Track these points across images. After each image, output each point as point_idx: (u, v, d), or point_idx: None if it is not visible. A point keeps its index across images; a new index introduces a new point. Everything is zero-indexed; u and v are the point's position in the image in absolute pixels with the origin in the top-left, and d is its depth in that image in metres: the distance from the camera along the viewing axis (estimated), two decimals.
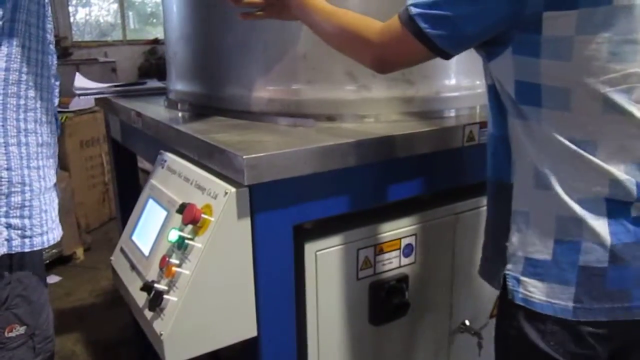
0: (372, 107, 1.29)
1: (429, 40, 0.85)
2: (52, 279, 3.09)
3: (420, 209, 1.29)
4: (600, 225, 0.82)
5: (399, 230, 1.24)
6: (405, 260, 1.26)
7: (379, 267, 1.22)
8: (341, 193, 1.13)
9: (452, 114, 1.36)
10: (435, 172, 1.27)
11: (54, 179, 1.13)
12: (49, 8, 1.09)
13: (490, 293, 1.47)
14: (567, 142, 0.82)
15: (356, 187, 1.15)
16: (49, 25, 1.09)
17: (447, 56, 0.89)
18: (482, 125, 1.25)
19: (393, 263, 1.25)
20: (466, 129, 1.23)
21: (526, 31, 0.80)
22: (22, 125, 1.03)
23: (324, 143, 1.06)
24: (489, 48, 0.87)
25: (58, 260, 3.20)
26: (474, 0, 0.81)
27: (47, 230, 1.09)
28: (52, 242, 1.10)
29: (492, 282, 0.96)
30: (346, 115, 1.29)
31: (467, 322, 1.43)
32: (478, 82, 1.40)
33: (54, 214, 1.12)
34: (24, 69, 1.02)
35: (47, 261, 3.09)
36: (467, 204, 1.36)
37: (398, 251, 1.25)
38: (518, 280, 0.89)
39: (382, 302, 1.22)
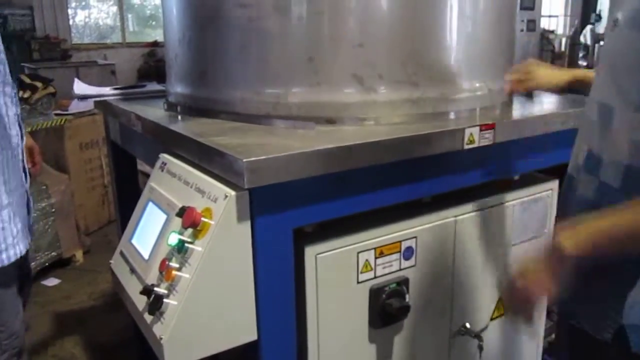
0: (373, 110, 1.29)
1: None
2: (51, 281, 3.09)
3: (420, 212, 1.28)
4: None
5: (399, 233, 1.24)
6: (405, 263, 1.26)
7: (379, 270, 1.22)
8: (341, 196, 1.13)
9: (452, 116, 1.36)
10: (435, 175, 1.26)
11: (6, 198, 1.10)
12: None
13: (490, 295, 1.48)
14: None
15: (356, 190, 1.15)
16: None
17: None
18: (482, 127, 1.25)
19: (393, 266, 1.24)
20: (466, 132, 1.23)
21: None
22: None
23: (325, 146, 1.05)
24: None
25: (57, 263, 3.20)
26: None
27: (7, 247, 1.08)
28: (12, 260, 1.08)
29: (601, 331, 0.88)
30: (347, 118, 1.28)
31: (467, 325, 1.42)
32: (478, 85, 1.40)
33: (16, 229, 1.10)
34: None
35: (47, 264, 3.09)
36: (468, 207, 1.36)
37: (398, 254, 1.24)
38: None
39: (383, 305, 1.22)
